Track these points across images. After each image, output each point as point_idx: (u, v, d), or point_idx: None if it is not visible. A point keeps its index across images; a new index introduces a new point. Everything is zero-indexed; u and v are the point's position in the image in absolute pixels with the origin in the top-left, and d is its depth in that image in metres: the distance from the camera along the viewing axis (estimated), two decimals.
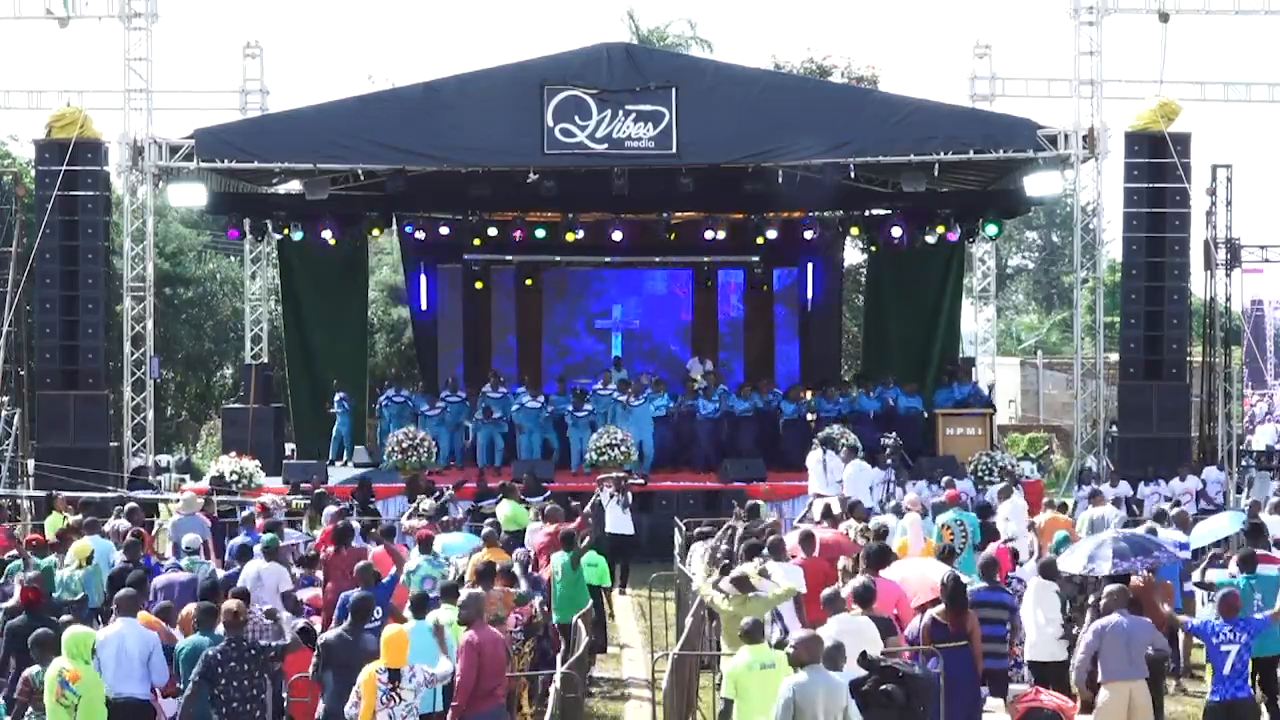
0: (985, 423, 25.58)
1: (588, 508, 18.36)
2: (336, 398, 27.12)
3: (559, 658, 12.86)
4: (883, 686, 10.33)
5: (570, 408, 25.46)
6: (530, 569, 14.94)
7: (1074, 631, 12.80)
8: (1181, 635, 15.04)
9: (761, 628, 10.75)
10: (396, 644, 10.43)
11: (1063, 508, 18.55)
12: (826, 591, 11.64)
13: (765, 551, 13.47)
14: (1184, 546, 14.88)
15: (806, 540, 14.10)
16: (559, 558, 15.14)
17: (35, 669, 10.79)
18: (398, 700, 10.26)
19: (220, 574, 14.17)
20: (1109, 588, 11.93)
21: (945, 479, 19.47)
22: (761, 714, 9.98)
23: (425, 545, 14.85)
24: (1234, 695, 11.47)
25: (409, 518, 18.28)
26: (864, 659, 10.46)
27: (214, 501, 20.01)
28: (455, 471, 24.53)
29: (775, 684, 9.87)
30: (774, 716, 9.51)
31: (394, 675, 10.30)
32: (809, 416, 25.92)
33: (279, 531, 15.65)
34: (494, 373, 27.62)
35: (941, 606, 11.78)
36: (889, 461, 22.05)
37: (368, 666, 10.47)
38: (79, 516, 17.10)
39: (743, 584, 12.02)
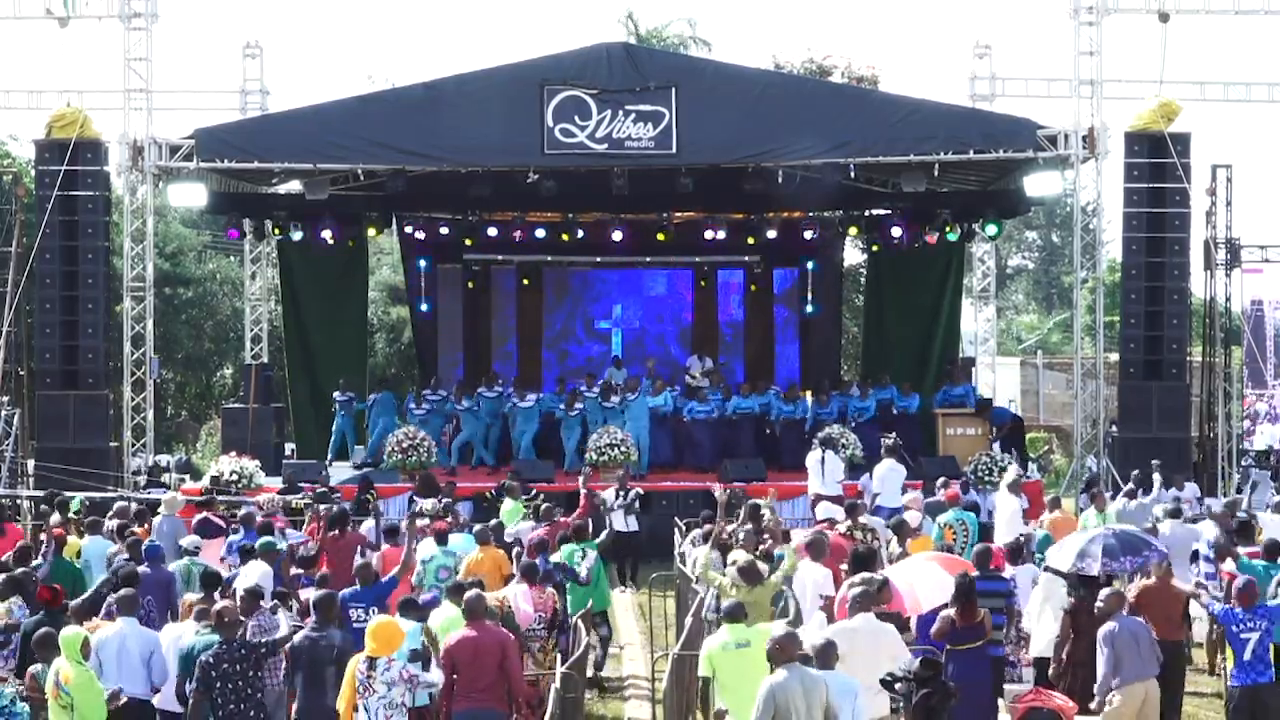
0: (985, 423, 25.56)
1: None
2: (336, 394, 27.07)
3: (559, 657, 12.85)
4: (936, 681, 10.40)
5: (563, 406, 25.45)
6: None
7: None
8: (1203, 630, 15.26)
9: (743, 609, 10.74)
10: (381, 633, 10.40)
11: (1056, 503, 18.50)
12: (857, 590, 11.61)
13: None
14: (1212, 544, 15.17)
15: (816, 544, 14.07)
16: (556, 557, 15.17)
17: (39, 667, 10.84)
18: (371, 691, 10.23)
19: (222, 574, 14.15)
20: (1104, 592, 11.99)
21: (941, 479, 19.43)
22: (735, 692, 10.00)
23: (441, 538, 14.90)
24: (1255, 680, 11.75)
25: (409, 519, 18.24)
26: (889, 679, 10.50)
27: (216, 502, 19.97)
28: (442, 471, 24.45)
29: (749, 663, 9.89)
30: (755, 714, 9.53)
31: (371, 664, 10.28)
32: (805, 417, 25.90)
33: (268, 532, 15.61)
34: (493, 374, 27.61)
35: (955, 608, 11.85)
36: None
37: (355, 656, 10.44)
38: (57, 516, 17.08)
39: (749, 575, 12.00)
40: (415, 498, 20.66)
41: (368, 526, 16.79)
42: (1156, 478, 20.24)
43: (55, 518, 17.06)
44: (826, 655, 9.89)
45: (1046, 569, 13.26)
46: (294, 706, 10.99)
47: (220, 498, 20.97)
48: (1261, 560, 14.15)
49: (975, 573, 12.70)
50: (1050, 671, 12.55)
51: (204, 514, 17.61)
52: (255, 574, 13.66)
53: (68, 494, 18.89)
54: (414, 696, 10.78)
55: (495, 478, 23.10)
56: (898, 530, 15.30)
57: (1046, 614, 13.05)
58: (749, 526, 15.31)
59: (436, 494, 20.16)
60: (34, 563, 13.86)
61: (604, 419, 24.88)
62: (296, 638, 11.08)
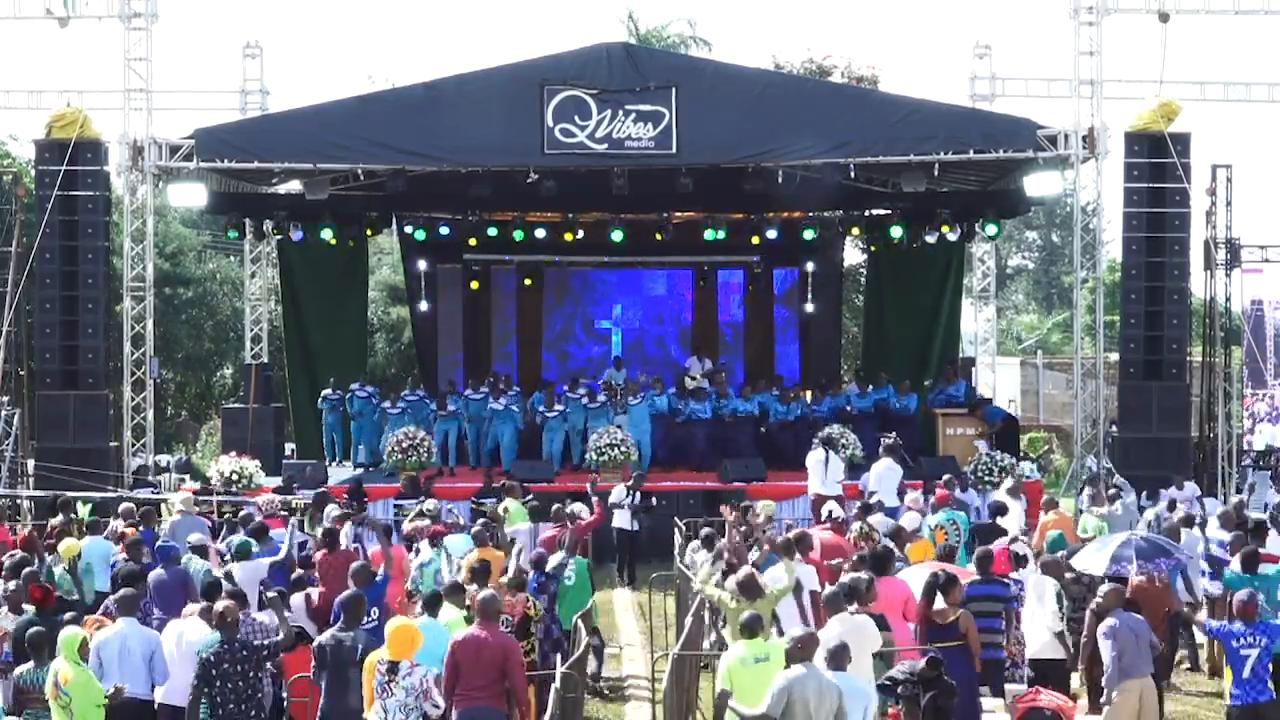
0: (983, 423, 25.55)
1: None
2: (324, 393, 27.04)
3: (559, 657, 12.84)
4: (936, 678, 10.39)
5: (542, 408, 25.45)
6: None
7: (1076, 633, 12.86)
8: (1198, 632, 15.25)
9: (760, 621, 10.74)
10: (400, 636, 10.42)
11: (1054, 504, 18.50)
12: (828, 591, 11.65)
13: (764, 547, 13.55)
14: (1224, 545, 15.16)
15: (802, 541, 14.08)
16: (557, 558, 15.18)
17: (24, 668, 10.82)
18: (391, 693, 10.25)
19: (219, 573, 14.16)
20: (1104, 588, 12.01)
21: (947, 477, 19.42)
22: (752, 707, 10.00)
23: (436, 540, 14.90)
24: (1255, 699, 11.53)
25: (411, 520, 18.25)
26: (890, 682, 10.48)
27: (212, 502, 19.98)
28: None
29: (767, 678, 9.92)
30: (766, 703, 9.56)
31: (392, 667, 10.31)
32: (800, 415, 25.88)
33: (262, 535, 15.57)
34: (495, 375, 27.61)
35: (921, 604, 11.88)
36: None
37: (373, 653, 10.48)
38: (59, 518, 17.06)
39: (749, 590, 11.96)
40: (400, 500, 20.77)
41: (349, 529, 16.76)
42: (1122, 481, 20.26)
43: (56, 519, 17.04)
44: (839, 656, 9.92)
45: (1042, 570, 13.25)
46: (319, 706, 10.99)
47: (219, 498, 20.98)
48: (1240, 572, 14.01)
49: (977, 577, 12.71)
50: (1082, 673, 12.54)
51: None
52: (237, 575, 13.66)
53: (70, 495, 18.86)
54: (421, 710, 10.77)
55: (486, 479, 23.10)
56: (895, 537, 15.26)
57: (1039, 615, 13.04)
58: (742, 528, 15.30)
59: (419, 495, 20.27)
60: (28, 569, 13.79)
61: (588, 422, 24.88)
62: (323, 638, 11.09)
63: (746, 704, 10.17)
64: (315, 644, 11.08)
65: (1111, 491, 20.08)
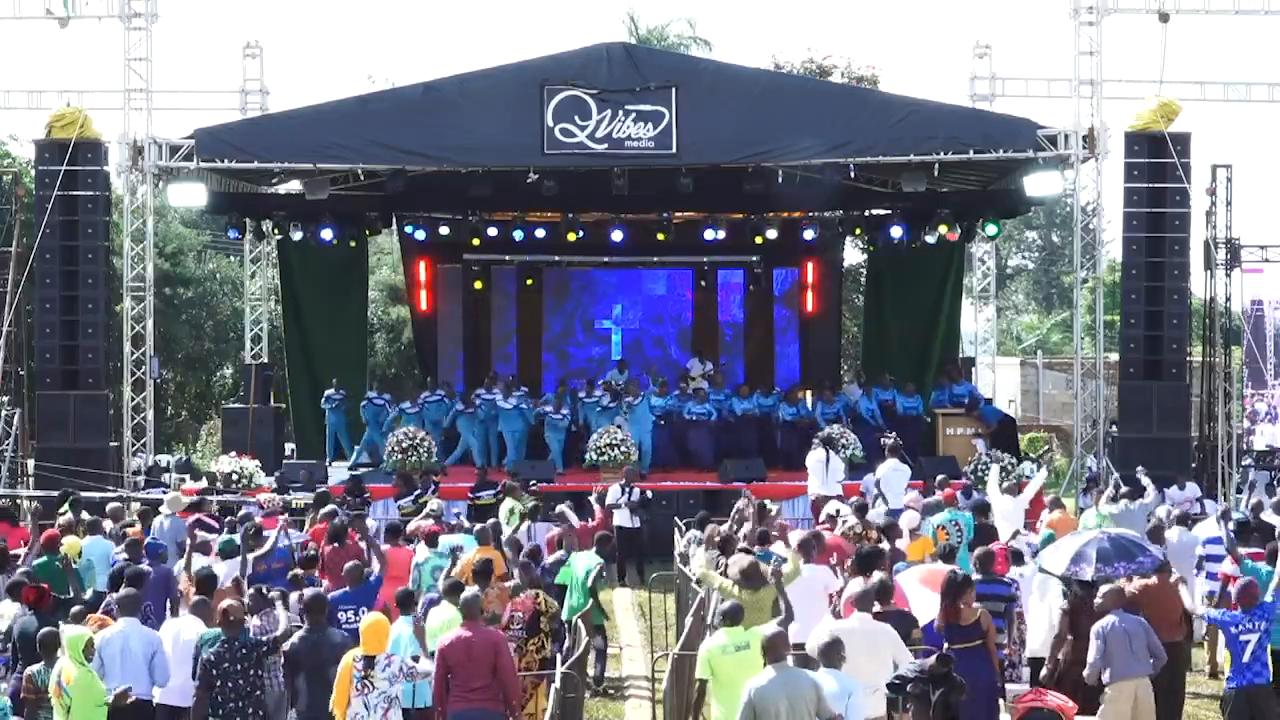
0: (983, 424, 25.54)
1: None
2: (327, 393, 27.06)
3: (559, 657, 12.83)
4: (945, 675, 10.36)
5: (549, 408, 25.46)
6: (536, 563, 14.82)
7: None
8: (1203, 628, 15.23)
9: (741, 611, 10.71)
10: (374, 631, 10.47)
11: (1058, 503, 18.46)
12: (859, 590, 11.54)
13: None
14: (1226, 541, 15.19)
15: (815, 540, 14.06)
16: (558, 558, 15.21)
17: (38, 667, 10.84)
18: (371, 688, 10.28)
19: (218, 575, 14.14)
20: (1104, 588, 11.98)
21: (941, 478, 19.39)
22: (732, 694, 10.02)
23: (432, 540, 14.93)
24: (1252, 681, 11.74)
25: (417, 521, 18.25)
26: (899, 681, 10.45)
27: (212, 502, 19.97)
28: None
29: (748, 666, 9.91)
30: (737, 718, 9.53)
31: (369, 662, 10.35)
32: (808, 418, 25.86)
33: (258, 537, 15.57)
34: (493, 375, 27.61)
35: (942, 606, 11.81)
36: None
37: (348, 654, 10.49)
38: (67, 516, 17.05)
39: (752, 578, 11.95)
40: (399, 500, 20.75)
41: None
42: (1147, 481, 20.18)
43: (64, 517, 17.02)
44: (830, 654, 9.88)
45: (1041, 569, 13.23)
46: (294, 709, 10.97)
47: (218, 498, 20.98)
48: (1264, 564, 14.06)
49: (979, 577, 12.67)
50: (1043, 672, 12.52)
51: (196, 515, 17.61)
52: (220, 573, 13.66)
53: (84, 494, 18.87)
54: (415, 689, 10.81)
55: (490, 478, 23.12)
56: (887, 532, 15.24)
57: (1042, 613, 13.02)
58: (755, 526, 15.30)
59: (413, 490, 20.27)
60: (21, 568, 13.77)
61: (601, 423, 24.88)
62: (294, 640, 11.07)
63: (725, 691, 10.17)
64: (289, 647, 11.06)
65: (1126, 490, 19.94)
